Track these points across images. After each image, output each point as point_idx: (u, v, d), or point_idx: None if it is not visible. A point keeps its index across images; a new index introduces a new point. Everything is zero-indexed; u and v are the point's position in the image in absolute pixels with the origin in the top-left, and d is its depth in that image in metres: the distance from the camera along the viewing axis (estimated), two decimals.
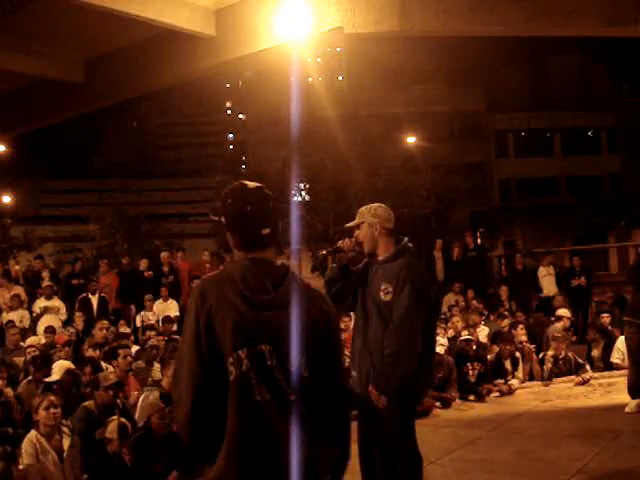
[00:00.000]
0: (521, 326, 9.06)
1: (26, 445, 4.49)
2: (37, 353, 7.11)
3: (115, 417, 4.87)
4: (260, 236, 2.06)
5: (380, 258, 3.60)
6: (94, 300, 10.32)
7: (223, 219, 2.11)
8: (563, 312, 9.80)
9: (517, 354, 8.38)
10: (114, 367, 6.67)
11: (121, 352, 6.73)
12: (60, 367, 6.47)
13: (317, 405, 2.02)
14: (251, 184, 2.15)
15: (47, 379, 6.11)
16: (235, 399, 1.92)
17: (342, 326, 8.93)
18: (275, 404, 1.94)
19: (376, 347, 3.46)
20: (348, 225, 3.69)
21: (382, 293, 3.48)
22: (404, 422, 3.51)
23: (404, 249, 3.61)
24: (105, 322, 8.51)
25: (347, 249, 3.62)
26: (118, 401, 5.51)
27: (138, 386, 6.54)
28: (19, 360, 7.49)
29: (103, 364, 6.81)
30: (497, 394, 7.80)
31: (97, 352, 7.28)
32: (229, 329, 1.93)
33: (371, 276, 3.60)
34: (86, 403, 5.36)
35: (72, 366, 6.44)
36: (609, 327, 9.20)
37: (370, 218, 3.60)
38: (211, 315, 1.94)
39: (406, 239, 3.67)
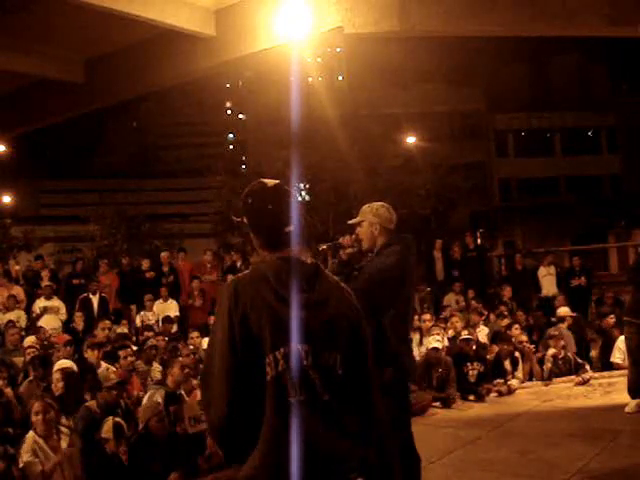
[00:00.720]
0: (517, 326, 9.06)
1: (25, 446, 4.49)
2: (36, 353, 7.09)
3: (111, 417, 4.87)
4: (284, 234, 2.06)
5: (375, 250, 3.65)
6: (95, 300, 10.33)
7: (245, 220, 2.11)
8: (564, 311, 9.79)
9: (516, 354, 8.38)
10: (116, 367, 6.68)
11: (122, 353, 6.73)
12: (60, 367, 6.47)
13: (350, 404, 2.01)
14: (270, 182, 2.14)
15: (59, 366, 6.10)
16: (271, 400, 1.90)
17: None
18: (309, 404, 1.93)
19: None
20: (350, 222, 3.75)
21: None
22: (397, 419, 3.44)
23: (398, 239, 3.64)
24: (107, 322, 8.50)
25: (346, 245, 3.64)
26: (122, 401, 5.51)
27: (141, 386, 6.54)
28: (19, 360, 7.48)
29: (103, 364, 6.80)
30: (497, 394, 7.80)
31: (96, 353, 7.24)
32: (266, 329, 1.91)
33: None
34: (88, 403, 5.35)
35: (73, 365, 6.44)
36: (611, 328, 9.18)
37: (371, 217, 3.64)
38: (246, 315, 1.92)
39: (408, 235, 3.73)
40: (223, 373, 1.92)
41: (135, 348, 8.08)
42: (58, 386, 5.69)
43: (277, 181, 2.16)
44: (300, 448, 1.90)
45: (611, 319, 9.23)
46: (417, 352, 8.10)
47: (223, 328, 1.94)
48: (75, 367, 6.37)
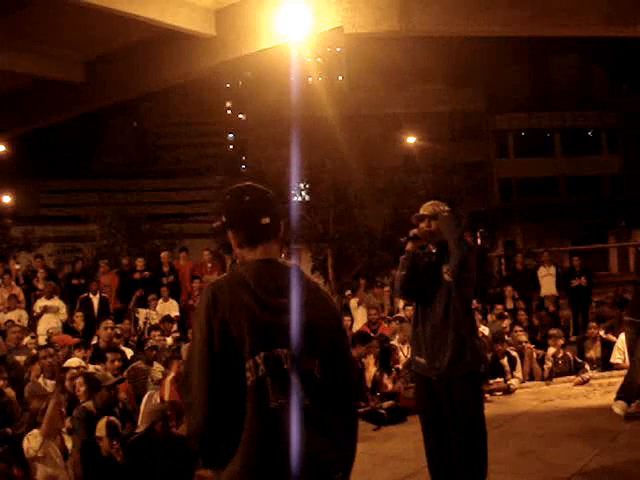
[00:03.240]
0: (518, 327, 9.06)
1: (30, 445, 4.49)
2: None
3: (105, 416, 4.87)
4: (260, 226, 2.05)
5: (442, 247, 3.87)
6: (95, 300, 10.32)
7: (224, 217, 2.11)
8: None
9: (514, 353, 8.37)
10: (106, 369, 6.66)
11: (109, 356, 6.70)
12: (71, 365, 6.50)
13: (330, 408, 2.01)
14: (246, 183, 2.17)
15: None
16: (252, 405, 1.90)
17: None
18: (290, 409, 1.92)
19: (441, 331, 3.73)
20: (422, 214, 3.91)
21: (446, 275, 3.77)
22: (479, 401, 3.87)
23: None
24: (110, 322, 8.46)
25: (422, 237, 3.88)
26: (120, 404, 5.50)
27: (131, 389, 6.49)
28: (20, 359, 7.47)
29: (90, 366, 6.79)
30: (496, 393, 7.79)
31: (82, 352, 7.20)
32: (245, 333, 1.90)
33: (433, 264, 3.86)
34: (85, 403, 5.35)
35: (82, 363, 6.46)
36: (606, 335, 9.18)
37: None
38: (225, 320, 1.91)
39: None
40: (202, 378, 1.91)
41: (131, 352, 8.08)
42: (81, 390, 5.69)
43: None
44: (282, 453, 1.89)
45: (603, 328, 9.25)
46: None
47: (202, 333, 1.93)
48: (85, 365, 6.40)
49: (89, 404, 5.31)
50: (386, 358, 7.76)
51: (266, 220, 2.05)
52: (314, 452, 1.93)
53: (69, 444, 4.90)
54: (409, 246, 3.89)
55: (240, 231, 2.08)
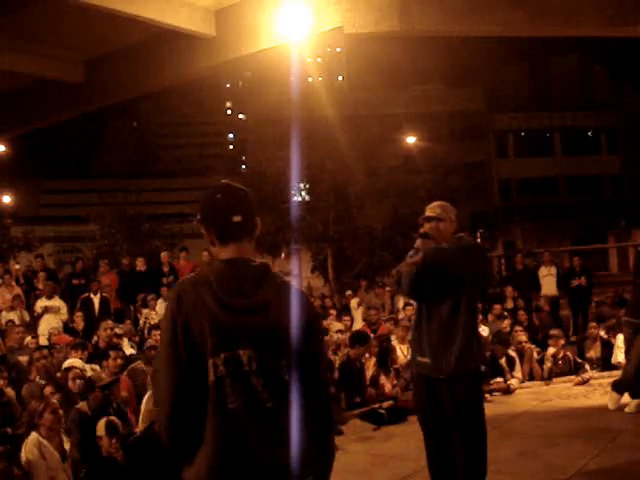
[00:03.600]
0: (519, 327, 9.06)
1: (29, 447, 4.49)
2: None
3: (105, 417, 4.87)
4: (231, 224, 2.02)
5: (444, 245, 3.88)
6: (96, 300, 10.30)
7: (198, 215, 2.10)
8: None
9: (512, 354, 8.36)
10: (104, 367, 6.66)
11: (112, 353, 6.71)
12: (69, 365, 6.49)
13: (299, 409, 1.98)
14: (222, 181, 2.16)
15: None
16: (212, 405, 1.90)
17: (341, 327, 8.95)
18: (249, 411, 1.91)
19: (448, 331, 3.72)
20: (429, 215, 3.88)
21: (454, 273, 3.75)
22: (479, 401, 3.88)
23: (463, 237, 3.96)
24: (109, 322, 8.46)
25: (433, 236, 3.84)
26: (114, 404, 5.49)
27: (132, 388, 6.49)
28: (23, 359, 7.47)
29: (87, 366, 6.78)
30: (497, 394, 7.80)
31: (79, 353, 7.18)
32: (207, 334, 1.90)
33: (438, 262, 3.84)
34: (79, 405, 5.34)
35: (80, 364, 6.45)
36: (607, 335, 9.19)
37: (453, 217, 3.91)
38: (188, 320, 1.92)
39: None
40: (167, 377, 1.93)
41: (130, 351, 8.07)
42: (76, 385, 5.69)
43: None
44: (239, 455, 1.89)
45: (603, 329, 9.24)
46: None
47: (166, 332, 1.95)
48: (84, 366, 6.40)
49: (83, 405, 5.31)
50: (385, 358, 7.76)
51: (237, 218, 2.02)
52: (274, 456, 1.92)
53: (67, 445, 4.90)
54: (418, 243, 3.86)
55: (212, 229, 2.06)
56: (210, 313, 1.91)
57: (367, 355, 7.73)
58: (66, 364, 6.53)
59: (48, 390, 5.62)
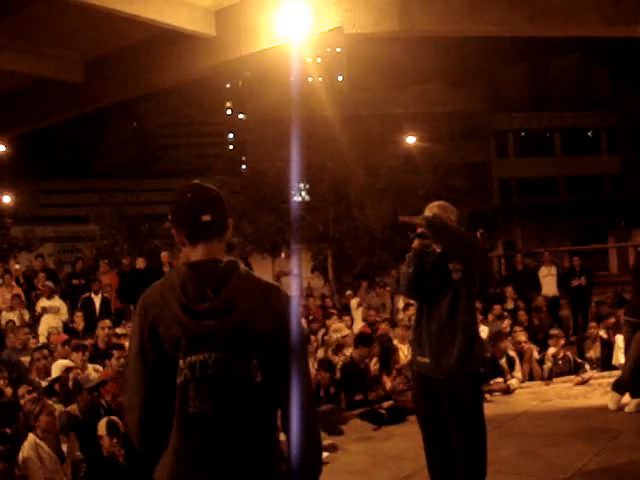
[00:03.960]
0: (518, 327, 9.06)
1: (26, 448, 4.49)
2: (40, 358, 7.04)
3: (106, 417, 4.87)
4: (200, 223, 1.99)
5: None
6: (97, 300, 10.30)
7: (169, 216, 2.08)
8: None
9: (512, 353, 8.36)
10: (107, 366, 6.65)
11: (115, 353, 6.71)
12: (58, 366, 6.48)
13: (273, 413, 1.94)
14: (194, 181, 2.14)
15: (48, 379, 6.10)
16: (177, 410, 1.89)
17: (342, 327, 8.95)
18: (211, 417, 1.88)
19: (447, 331, 3.71)
20: (428, 214, 3.85)
21: (453, 273, 3.74)
22: (479, 401, 3.88)
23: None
24: (107, 322, 8.45)
25: (430, 236, 3.81)
26: (103, 401, 5.46)
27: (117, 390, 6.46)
28: (26, 360, 7.46)
29: (90, 366, 6.77)
30: (496, 393, 7.80)
31: (80, 355, 7.16)
32: (173, 339, 1.89)
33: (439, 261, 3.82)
34: (69, 408, 5.33)
35: (72, 364, 6.44)
36: (607, 335, 9.18)
37: (452, 216, 3.90)
38: (155, 325, 1.91)
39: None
40: (137, 382, 1.94)
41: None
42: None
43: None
44: (197, 463, 1.87)
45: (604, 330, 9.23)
46: None
47: (135, 338, 1.96)
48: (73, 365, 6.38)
49: (73, 408, 5.31)
50: (387, 359, 7.76)
51: (206, 217, 1.99)
52: (234, 465, 1.87)
53: (64, 446, 4.90)
54: (416, 243, 3.86)
55: (182, 228, 2.04)
56: (175, 318, 1.90)
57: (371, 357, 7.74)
58: (55, 366, 6.52)
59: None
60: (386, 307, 11.70)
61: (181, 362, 1.89)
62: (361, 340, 7.77)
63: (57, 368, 6.58)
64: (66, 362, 6.63)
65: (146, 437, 1.96)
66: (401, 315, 10.02)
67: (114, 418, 4.86)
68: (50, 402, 4.88)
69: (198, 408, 1.88)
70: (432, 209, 3.91)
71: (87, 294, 10.40)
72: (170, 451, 1.89)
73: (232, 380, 1.90)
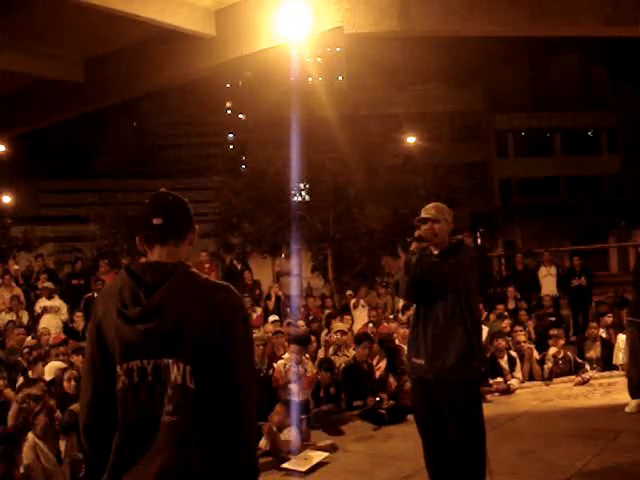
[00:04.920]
0: (519, 327, 9.06)
1: (25, 447, 4.49)
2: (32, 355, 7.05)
3: None
4: (151, 227, 1.99)
5: (443, 250, 3.88)
6: None
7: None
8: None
9: (513, 353, 8.36)
10: None
11: None
12: (52, 368, 6.47)
13: (207, 421, 1.85)
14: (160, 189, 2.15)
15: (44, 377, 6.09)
16: (118, 415, 1.88)
17: (343, 327, 8.95)
18: (145, 426, 1.84)
19: (444, 332, 3.72)
20: (425, 216, 3.88)
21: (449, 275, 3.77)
22: (478, 402, 3.91)
23: (458, 242, 3.98)
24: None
25: (427, 239, 3.85)
26: None
27: None
28: (23, 360, 7.45)
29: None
30: (496, 393, 7.79)
31: (80, 357, 7.14)
32: (114, 344, 1.89)
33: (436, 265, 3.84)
34: (72, 406, 5.32)
35: (64, 365, 6.43)
36: (607, 335, 9.18)
37: (448, 218, 3.93)
38: (100, 328, 1.93)
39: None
40: (85, 387, 1.97)
41: None
42: (71, 385, 5.69)
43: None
44: (137, 471, 1.83)
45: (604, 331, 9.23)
46: None
47: (87, 342, 1.99)
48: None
49: (76, 407, 5.30)
50: (392, 359, 7.76)
51: (157, 220, 1.98)
52: (172, 474, 1.81)
53: (62, 444, 4.89)
54: (413, 246, 3.87)
55: (140, 233, 2.05)
56: (114, 323, 1.90)
57: (377, 357, 7.73)
58: (48, 367, 6.52)
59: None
60: (387, 307, 11.70)
61: (118, 368, 1.88)
62: (361, 339, 7.76)
63: (50, 370, 6.57)
64: (59, 364, 6.62)
65: (91, 442, 1.95)
66: (400, 315, 10.02)
67: None
68: (51, 403, 4.87)
69: (133, 417, 1.86)
70: (429, 210, 3.93)
71: (90, 294, 10.35)
72: (111, 459, 1.87)
73: (168, 387, 1.85)
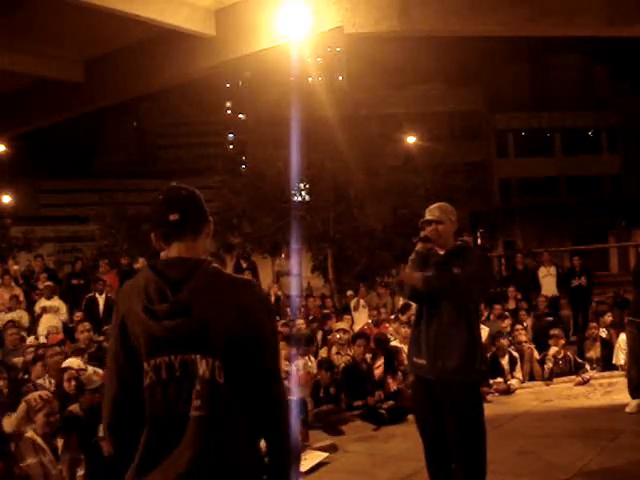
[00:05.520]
0: (520, 326, 9.06)
1: (24, 445, 4.48)
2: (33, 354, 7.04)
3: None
4: (169, 223, 1.98)
5: (447, 250, 3.86)
6: (101, 300, 10.22)
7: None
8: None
9: (514, 353, 8.36)
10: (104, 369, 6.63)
11: None
12: (71, 364, 6.47)
13: (236, 415, 1.88)
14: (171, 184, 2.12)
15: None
16: (146, 411, 1.87)
17: (344, 326, 8.95)
18: (175, 421, 1.84)
19: (447, 333, 3.70)
20: (428, 218, 3.85)
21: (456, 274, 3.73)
22: (479, 402, 3.90)
23: (464, 243, 4.00)
24: (86, 324, 8.28)
25: (433, 239, 3.82)
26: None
27: None
28: (18, 360, 7.45)
29: (89, 367, 6.75)
30: (496, 393, 7.79)
31: (79, 359, 7.15)
32: (140, 341, 1.88)
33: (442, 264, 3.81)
34: (71, 407, 5.32)
35: (77, 364, 6.44)
36: (607, 335, 9.18)
37: (453, 219, 3.90)
38: (125, 325, 1.91)
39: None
40: (110, 384, 1.95)
41: None
42: (71, 385, 5.69)
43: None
44: (165, 467, 1.82)
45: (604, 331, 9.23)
46: None
47: (111, 340, 1.97)
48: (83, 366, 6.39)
49: (75, 407, 5.30)
50: (390, 359, 7.75)
51: (174, 216, 1.97)
52: (202, 471, 1.82)
53: (60, 442, 4.89)
54: (419, 247, 3.85)
55: (156, 230, 2.04)
56: (139, 320, 1.88)
57: (372, 357, 7.72)
58: (65, 364, 6.52)
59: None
60: (387, 306, 11.70)
61: (145, 364, 1.87)
62: (357, 337, 7.76)
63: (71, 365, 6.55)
64: (73, 361, 6.62)
65: (116, 439, 1.94)
66: (400, 315, 10.00)
67: None
68: (54, 405, 4.86)
69: (165, 411, 1.85)
70: (433, 212, 3.90)
71: (91, 294, 10.31)
72: (138, 454, 1.86)
73: (198, 382, 1.86)
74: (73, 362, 6.59)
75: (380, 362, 7.62)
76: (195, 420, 1.84)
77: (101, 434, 4.77)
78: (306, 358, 7.47)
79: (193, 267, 1.94)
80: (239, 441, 1.88)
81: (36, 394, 4.89)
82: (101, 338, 8.55)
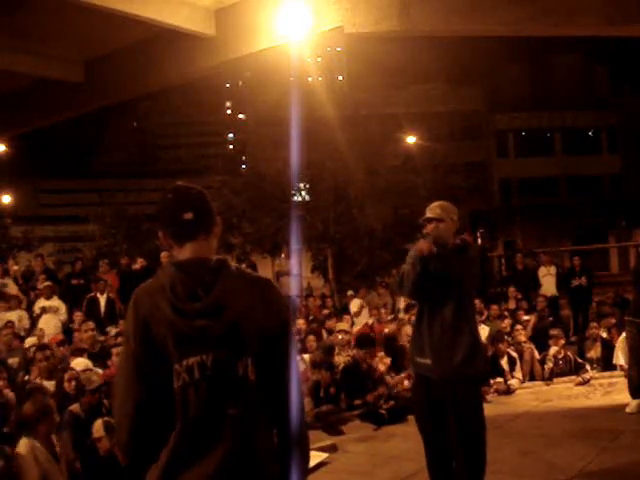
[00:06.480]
0: (519, 326, 9.06)
1: (21, 445, 4.47)
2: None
3: (100, 418, 4.85)
4: (183, 222, 1.96)
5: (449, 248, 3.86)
6: (102, 300, 10.19)
7: (158, 222, 2.05)
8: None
9: (514, 354, 8.36)
10: (109, 366, 6.63)
11: (114, 351, 6.70)
12: (79, 364, 6.47)
13: (266, 414, 1.93)
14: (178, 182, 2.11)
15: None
16: (177, 413, 1.84)
17: (344, 327, 8.95)
18: (210, 420, 1.85)
19: (450, 332, 3.70)
20: (429, 216, 3.84)
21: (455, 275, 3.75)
22: (480, 402, 3.92)
23: (462, 241, 3.97)
24: (90, 324, 8.28)
25: (435, 237, 3.78)
26: (105, 402, 5.47)
27: None
28: (13, 361, 7.42)
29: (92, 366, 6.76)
30: (496, 393, 7.79)
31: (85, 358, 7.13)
32: (167, 342, 1.84)
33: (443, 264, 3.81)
34: (72, 407, 5.32)
35: (84, 365, 6.44)
36: (607, 335, 9.18)
37: (454, 217, 3.90)
38: (148, 327, 1.86)
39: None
40: (128, 386, 1.86)
41: None
42: (71, 385, 5.69)
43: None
44: (198, 467, 1.82)
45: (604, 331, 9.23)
46: None
47: (127, 344, 1.90)
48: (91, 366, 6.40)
49: (76, 407, 5.30)
50: (395, 358, 7.75)
51: (188, 215, 1.95)
52: (234, 468, 1.83)
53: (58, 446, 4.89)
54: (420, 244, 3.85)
55: (167, 230, 2.01)
56: (166, 320, 1.85)
57: (381, 354, 7.73)
58: (73, 364, 6.53)
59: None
60: (387, 306, 11.70)
61: (177, 366, 1.84)
62: (363, 341, 7.75)
63: (79, 365, 6.55)
64: (81, 361, 6.62)
65: (137, 449, 1.89)
66: (402, 315, 10.00)
67: (108, 419, 4.85)
68: (54, 408, 4.85)
69: (200, 411, 1.84)
70: (434, 210, 3.89)
71: (92, 294, 10.29)
72: (166, 451, 1.83)
73: (230, 382, 1.87)
74: (80, 362, 6.59)
75: (387, 360, 7.64)
76: (229, 418, 1.85)
77: (97, 435, 4.76)
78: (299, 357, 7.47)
79: (218, 267, 1.94)
80: (265, 437, 1.93)
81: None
82: (102, 338, 8.55)
